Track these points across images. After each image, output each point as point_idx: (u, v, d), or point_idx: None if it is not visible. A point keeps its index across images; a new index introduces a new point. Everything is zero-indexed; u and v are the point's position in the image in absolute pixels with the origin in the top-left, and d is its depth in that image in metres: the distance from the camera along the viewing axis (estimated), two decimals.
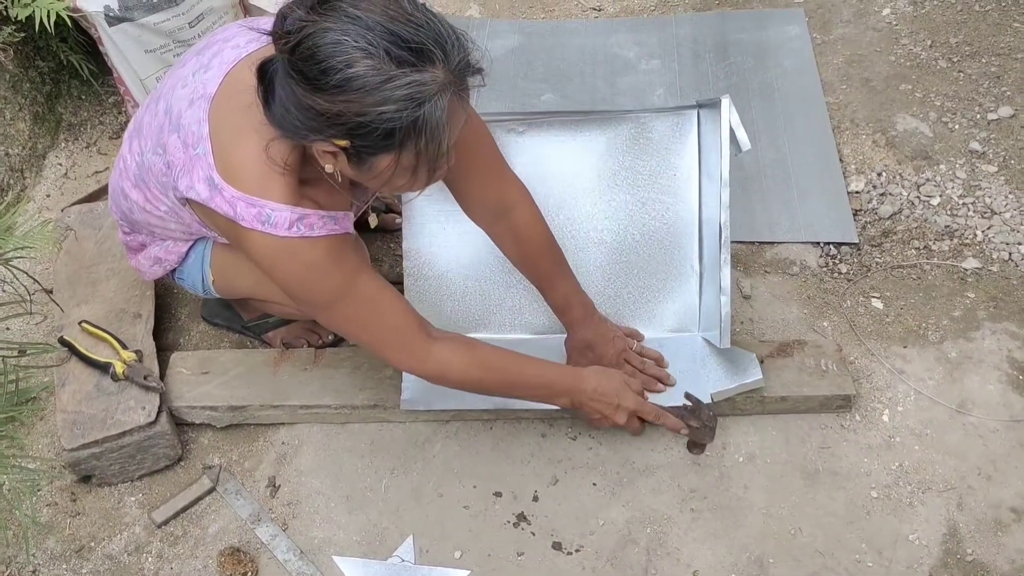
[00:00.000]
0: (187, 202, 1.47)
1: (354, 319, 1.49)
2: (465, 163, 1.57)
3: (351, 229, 1.48)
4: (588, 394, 1.61)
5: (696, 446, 1.75)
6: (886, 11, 2.63)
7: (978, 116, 2.32)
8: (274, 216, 1.36)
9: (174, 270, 1.74)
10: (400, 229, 2.13)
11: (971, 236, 2.08)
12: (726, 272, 1.71)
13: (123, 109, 2.45)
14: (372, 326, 1.50)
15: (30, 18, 2.17)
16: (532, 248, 1.70)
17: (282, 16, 1.22)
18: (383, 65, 1.16)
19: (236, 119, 1.37)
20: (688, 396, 1.73)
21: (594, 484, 1.75)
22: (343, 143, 1.23)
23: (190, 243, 1.68)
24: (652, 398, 1.74)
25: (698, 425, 1.70)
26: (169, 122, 1.46)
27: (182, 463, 1.82)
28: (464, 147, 1.50)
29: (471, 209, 1.69)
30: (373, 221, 1.67)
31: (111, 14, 2.21)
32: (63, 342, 1.84)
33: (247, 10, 2.49)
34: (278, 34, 1.22)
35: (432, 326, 1.56)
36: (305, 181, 1.40)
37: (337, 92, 1.18)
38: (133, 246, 1.77)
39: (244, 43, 1.45)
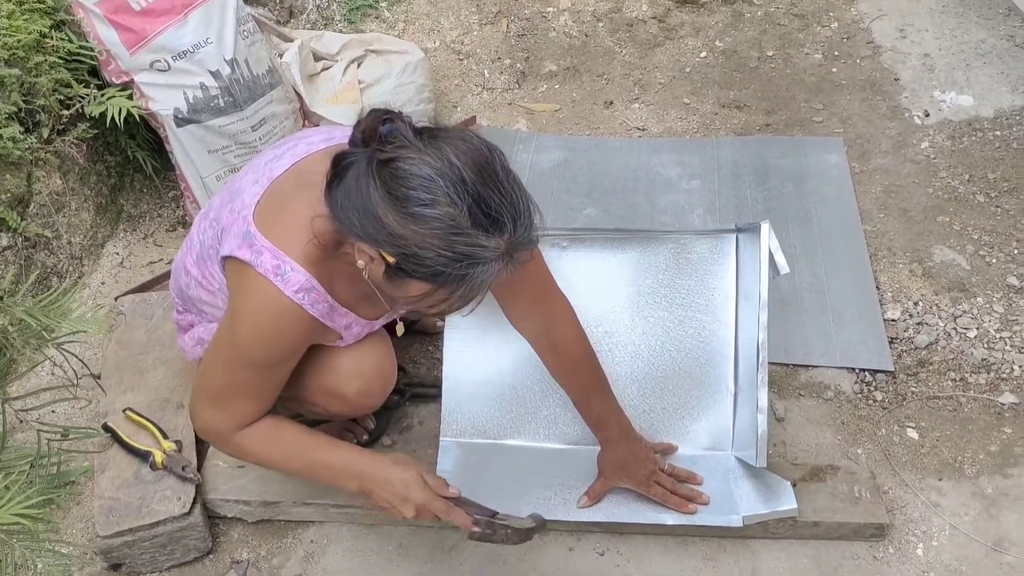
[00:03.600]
0: (223, 268, 1.54)
1: (235, 379, 1.51)
2: (516, 280, 1.62)
3: (336, 329, 1.55)
4: (377, 483, 1.56)
5: (480, 538, 1.61)
6: (924, 144, 2.69)
7: (1016, 251, 2.34)
8: (290, 274, 1.42)
9: None
10: (439, 332, 2.18)
11: (1008, 371, 2.08)
12: (763, 392, 1.73)
13: (181, 204, 2.56)
14: (236, 392, 1.52)
15: (103, 115, 2.30)
16: (572, 364, 1.72)
17: (382, 119, 1.29)
18: (460, 219, 1.22)
19: (291, 190, 1.46)
20: (494, 517, 1.60)
21: None
22: (390, 259, 1.28)
23: None
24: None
25: (488, 532, 1.58)
26: (230, 197, 1.55)
27: (211, 556, 1.83)
28: None
29: (516, 321, 1.73)
30: (400, 330, 1.71)
31: (180, 116, 2.34)
32: (106, 428, 1.89)
33: (307, 116, 2.62)
34: (374, 135, 1.28)
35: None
36: (330, 265, 1.46)
37: (409, 219, 1.23)
38: (183, 325, 1.83)
39: (319, 141, 1.54)
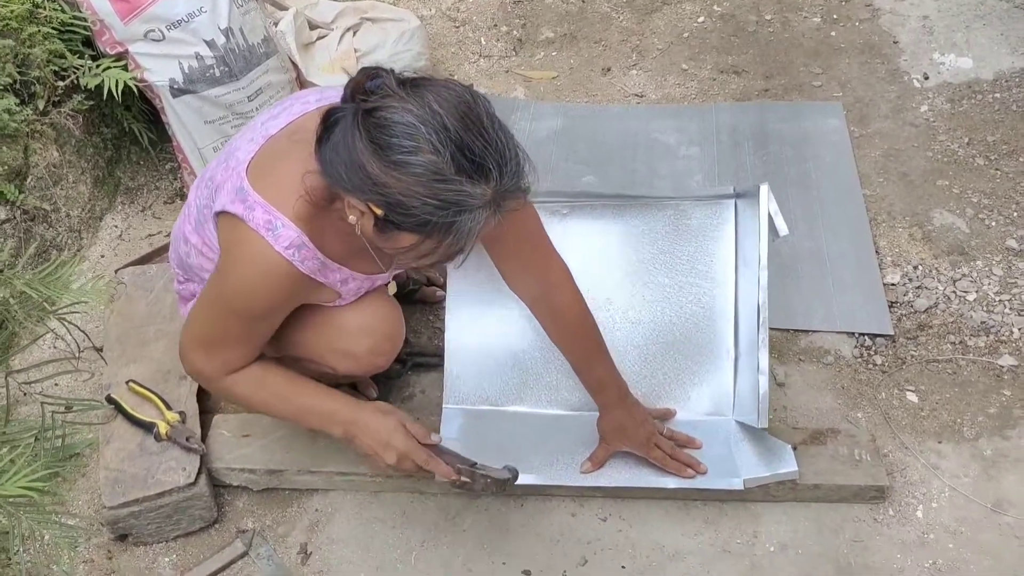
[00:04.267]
0: (217, 226, 1.54)
1: (222, 326, 1.54)
2: (512, 242, 1.63)
3: (328, 283, 1.56)
4: (359, 428, 1.59)
5: (462, 487, 1.65)
6: (923, 108, 2.68)
7: (1015, 214, 2.34)
8: (281, 230, 1.42)
9: None
10: (440, 302, 2.19)
11: (1007, 333, 2.09)
12: (764, 353, 1.74)
13: (179, 175, 2.54)
14: (224, 339, 1.55)
15: (99, 87, 2.28)
16: (570, 328, 1.73)
17: (370, 75, 1.30)
18: (444, 165, 1.22)
19: (285, 146, 1.47)
20: (473, 467, 1.62)
21: (623, 567, 1.75)
22: (378, 211, 1.28)
23: None
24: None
25: (467, 481, 1.61)
26: (226, 158, 1.56)
27: (217, 526, 1.84)
28: (512, 226, 1.55)
29: (515, 286, 1.74)
30: (392, 288, 1.72)
31: (175, 86, 2.32)
32: (110, 400, 1.89)
33: (303, 85, 2.60)
34: (360, 88, 1.29)
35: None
36: (322, 221, 1.46)
37: (392, 167, 1.24)
38: (185, 295, 1.83)
39: (314, 101, 1.54)
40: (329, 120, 1.33)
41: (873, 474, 1.80)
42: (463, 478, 1.60)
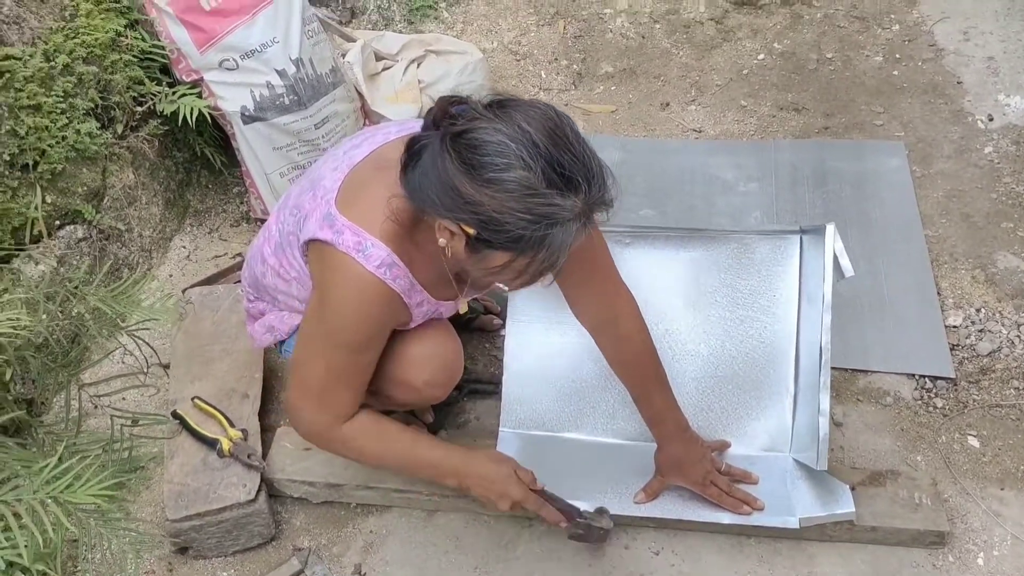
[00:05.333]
0: (306, 254, 1.58)
1: (330, 366, 1.55)
2: (580, 269, 1.66)
3: (411, 307, 1.58)
4: (474, 479, 1.62)
5: (576, 537, 1.73)
6: (988, 148, 2.65)
7: None
8: (371, 250, 1.46)
9: (282, 342, 1.84)
10: (497, 331, 2.22)
11: None
12: (825, 395, 1.73)
13: (246, 199, 2.62)
14: (333, 382, 1.56)
15: (174, 113, 2.37)
16: (633, 358, 1.74)
17: (453, 101, 1.34)
18: (535, 181, 1.26)
19: (369, 174, 1.51)
20: (585, 513, 1.70)
21: None
22: (470, 230, 1.31)
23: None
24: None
25: (581, 532, 1.69)
26: (310, 185, 1.60)
27: (274, 542, 1.88)
28: (582, 254, 1.58)
29: (580, 313, 1.76)
30: (463, 308, 1.74)
31: (247, 114, 2.40)
32: (176, 415, 1.95)
33: (368, 115, 2.67)
34: (444, 114, 1.33)
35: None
36: (407, 244, 1.50)
37: (486, 185, 1.27)
38: (254, 313, 1.88)
39: (395, 132, 1.59)
40: (414, 147, 1.37)
41: (933, 519, 1.77)
42: (577, 530, 1.68)
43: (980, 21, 3.09)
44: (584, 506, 1.73)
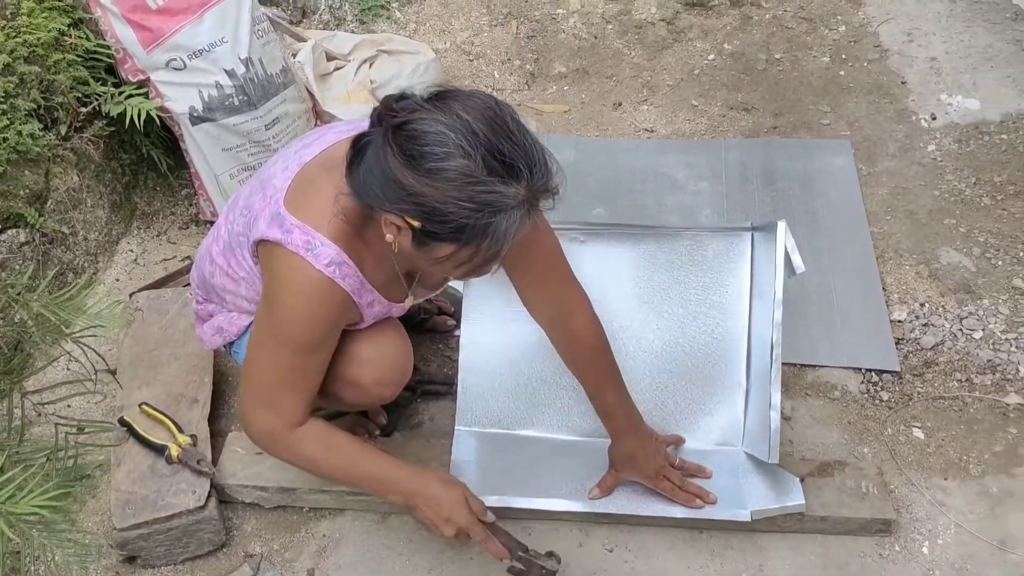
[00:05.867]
0: (256, 254, 1.56)
1: (280, 368, 1.53)
2: (533, 265, 1.67)
3: (362, 306, 1.57)
4: (421, 499, 1.61)
5: (516, 572, 1.68)
6: (931, 147, 2.71)
7: (1021, 254, 2.36)
8: (320, 248, 1.45)
9: (231, 344, 1.82)
10: (451, 331, 2.21)
11: (1014, 372, 2.10)
12: (776, 389, 1.75)
13: (195, 201, 2.58)
14: (283, 384, 1.55)
15: (120, 114, 2.33)
16: (586, 353, 1.75)
17: (396, 98, 1.34)
18: (476, 169, 1.26)
19: (317, 173, 1.50)
20: (528, 555, 1.66)
21: None
22: (415, 223, 1.32)
23: (252, 318, 1.76)
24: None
25: (523, 568, 1.66)
26: (260, 186, 1.59)
27: (225, 549, 1.86)
28: (533, 251, 1.61)
29: (534, 310, 1.76)
30: (410, 301, 1.73)
31: (195, 114, 2.36)
32: (123, 422, 1.92)
33: (319, 116, 2.65)
34: (388, 108, 1.33)
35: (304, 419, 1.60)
36: (356, 243, 1.49)
37: (427, 176, 1.27)
38: (202, 315, 1.86)
39: (346, 131, 1.58)
40: (359, 144, 1.37)
41: (880, 507, 1.81)
42: (518, 564, 1.65)
43: (923, 22, 3.16)
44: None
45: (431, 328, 2.24)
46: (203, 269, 1.77)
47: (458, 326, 2.04)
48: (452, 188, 1.27)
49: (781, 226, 1.79)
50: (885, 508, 1.80)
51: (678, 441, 1.92)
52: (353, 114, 2.62)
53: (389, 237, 1.38)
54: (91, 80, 2.33)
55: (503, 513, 1.84)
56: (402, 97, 1.34)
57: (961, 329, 2.20)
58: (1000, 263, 2.35)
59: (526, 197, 1.30)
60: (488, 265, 1.40)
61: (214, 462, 1.88)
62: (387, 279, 1.59)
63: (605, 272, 1.93)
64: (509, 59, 3.15)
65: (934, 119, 2.80)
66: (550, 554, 1.68)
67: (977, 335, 2.18)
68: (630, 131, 2.90)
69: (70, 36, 2.28)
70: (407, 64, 2.80)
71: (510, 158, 1.27)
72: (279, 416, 1.57)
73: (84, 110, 2.34)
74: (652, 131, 2.89)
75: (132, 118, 2.30)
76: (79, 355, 1.96)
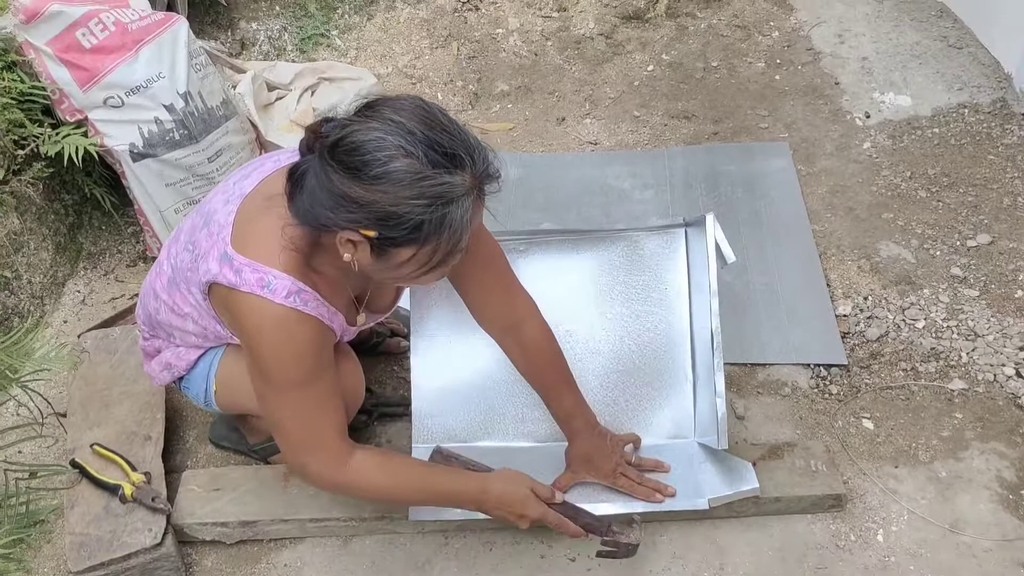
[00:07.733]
0: (208, 294, 1.56)
1: (297, 410, 1.53)
2: (479, 277, 1.69)
3: (335, 329, 1.57)
4: (492, 503, 1.63)
5: (605, 555, 1.73)
6: (866, 144, 2.78)
7: (958, 243, 2.43)
8: (275, 283, 1.44)
9: (181, 379, 1.81)
10: (404, 352, 2.22)
11: (956, 358, 2.15)
12: (720, 376, 1.79)
13: (141, 238, 2.57)
14: (311, 423, 1.54)
15: (59, 154, 2.31)
16: (539, 360, 1.77)
17: (321, 122, 1.36)
18: (420, 165, 1.28)
19: (260, 205, 1.50)
20: (613, 526, 1.69)
21: None
22: (371, 233, 1.32)
23: (201, 351, 1.75)
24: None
25: (610, 549, 1.69)
26: (203, 221, 1.58)
27: None
28: (478, 262, 1.63)
29: (483, 320, 1.78)
30: (361, 319, 1.73)
31: (135, 150, 2.35)
32: (74, 464, 1.89)
33: (263, 146, 2.65)
34: (316, 134, 1.35)
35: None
36: (309, 271, 1.49)
37: (375, 182, 1.29)
38: (149, 351, 1.84)
39: (285, 159, 1.59)
40: (295, 174, 1.38)
41: (830, 483, 1.86)
42: (605, 547, 1.68)
43: (853, 24, 3.24)
44: (612, 512, 1.74)
45: (385, 350, 2.24)
46: (148, 305, 1.76)
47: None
48: (402, 188, 1.28)
49: (709, 219, 1.84)
50: (835, 484, 1.86)
51: (636, 441, 1.93)
52: (296, 143, 2.62)
53: (347, 256, 1.38)
54: (27, 122, 2.31)
55: (465, 524, 1.85)
56: (326, 121, 1.36)
57: (904, 320, 2.25)
58: (938, 253, 2.41)
59: (473, 183, 1.32)
60: (450, 259, 1.40)
61: (170, 499, 1.86)
62: (343, 304, 1.59)
63: (548, 278, 1.96)
64: (452, 80, 3.18)
65: (868, 117, 2.87)
66: (630, 521, 1.70)
67: (920, 324, 2.23)
68: (574, 145, 2.93)
69: (3, 79, 2.26)
70: (349, 90, 2.82)
71: (450, 149, 1.30)
72: (325, 454, 1.56)
73: (21, 152, 2.32)
74: (596, 144, 2.93)
75: (72, 157, 2.28)
76: (27, 401, 1.94)
